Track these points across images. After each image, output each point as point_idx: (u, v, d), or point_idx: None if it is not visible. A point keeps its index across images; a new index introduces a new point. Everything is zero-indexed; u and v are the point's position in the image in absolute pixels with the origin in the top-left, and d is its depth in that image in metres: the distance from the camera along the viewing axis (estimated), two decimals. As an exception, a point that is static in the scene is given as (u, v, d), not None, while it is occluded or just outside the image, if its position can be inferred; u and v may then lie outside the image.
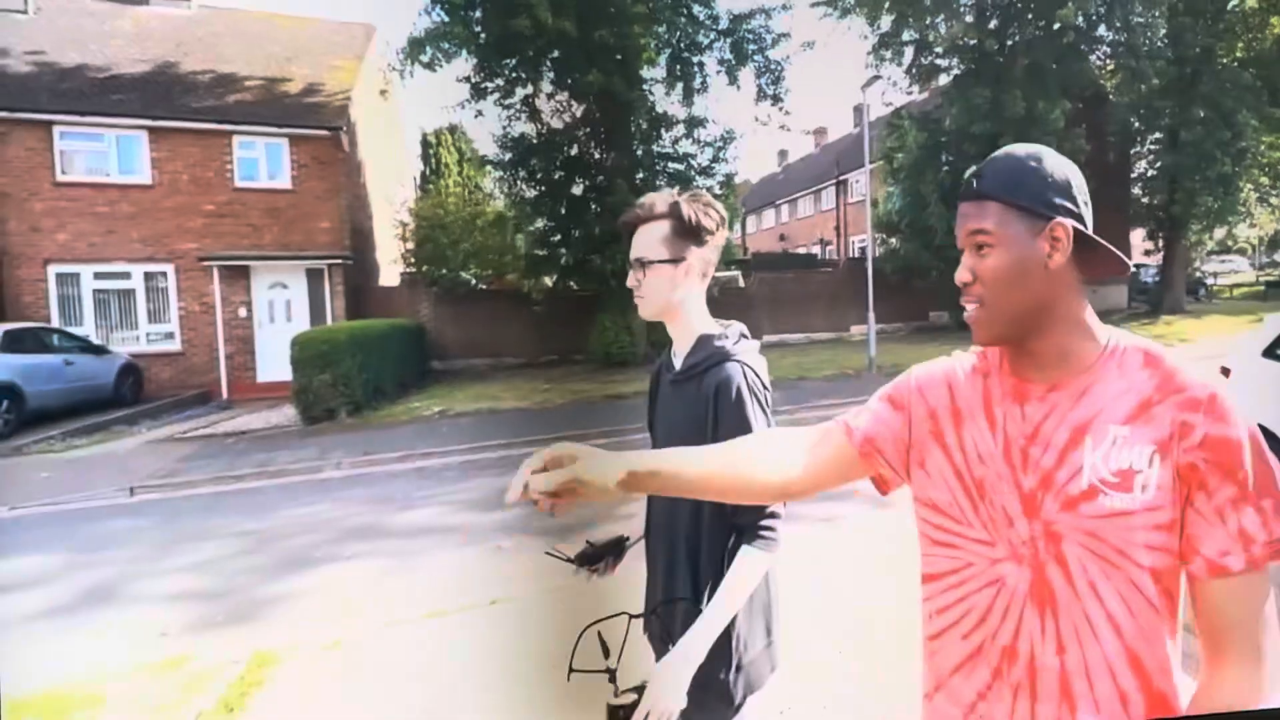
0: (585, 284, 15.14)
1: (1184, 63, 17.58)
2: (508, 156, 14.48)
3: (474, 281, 15.95)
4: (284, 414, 10.69)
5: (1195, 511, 0.82)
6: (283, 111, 13.66)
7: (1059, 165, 0.89)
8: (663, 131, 15.48)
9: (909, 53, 17.69)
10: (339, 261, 13.59)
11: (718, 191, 15.81)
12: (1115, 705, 0.84)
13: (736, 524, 1.26)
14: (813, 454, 1.01)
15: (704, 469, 0.95)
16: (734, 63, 15.32)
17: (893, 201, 19.00)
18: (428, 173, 21.07)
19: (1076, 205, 0.88)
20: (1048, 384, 0.90)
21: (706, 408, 1.29)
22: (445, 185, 18.67)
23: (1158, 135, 19.50)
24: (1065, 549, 0.85)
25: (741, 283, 18.36)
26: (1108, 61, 19.13)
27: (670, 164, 15.72)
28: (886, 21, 17.22)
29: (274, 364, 12.81)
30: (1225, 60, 17.83)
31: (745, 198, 37.96)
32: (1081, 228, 0.86)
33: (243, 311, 13.23)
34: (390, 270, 17.18)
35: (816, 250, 30.34)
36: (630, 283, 1.37)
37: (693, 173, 15.73)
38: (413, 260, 15.58)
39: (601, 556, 1.40)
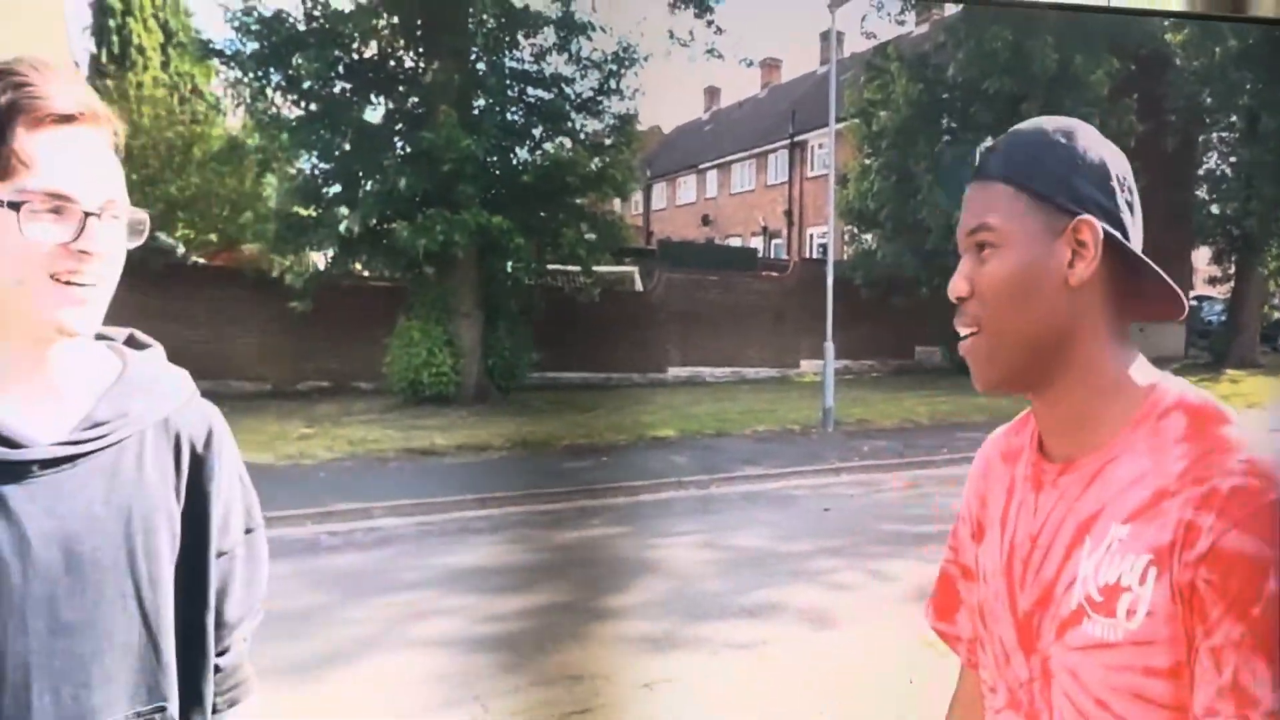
0: (381, 268, 12.89)
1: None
2: (252, 48, 11.39)
3: (181, 249, 12.97)
4: None
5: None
6: None
7: (1097, 147, 0.81)
8: (521, 37, 12.70)
9: (904, -38, 16.86)
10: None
11: (608, 140, 13.12)
12: None
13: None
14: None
15: None
16: (638, -57, 12.91)
17: (870, 180, 16.63)
18: (104, 59, 16.51)
19: (1114, 203, 0.79)
20: (1063, 461, 0.84)
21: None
22: (137, 83, 14.72)
23: (1233, 119, 18.15)
24: (1053, 695, 0.82)
25: (639, 284, 15.98)
26: (1171, 12, 17.68)
27: (531, 88, 13.16)
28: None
29: None
30: (1326, 23, 16.06)
31: (652, 154, 32.64)
32: (1118, 235, 0.78)
33: None
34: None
35: (757, 244, 26.66)
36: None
37: (567, 106, 13.00)
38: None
39: None
